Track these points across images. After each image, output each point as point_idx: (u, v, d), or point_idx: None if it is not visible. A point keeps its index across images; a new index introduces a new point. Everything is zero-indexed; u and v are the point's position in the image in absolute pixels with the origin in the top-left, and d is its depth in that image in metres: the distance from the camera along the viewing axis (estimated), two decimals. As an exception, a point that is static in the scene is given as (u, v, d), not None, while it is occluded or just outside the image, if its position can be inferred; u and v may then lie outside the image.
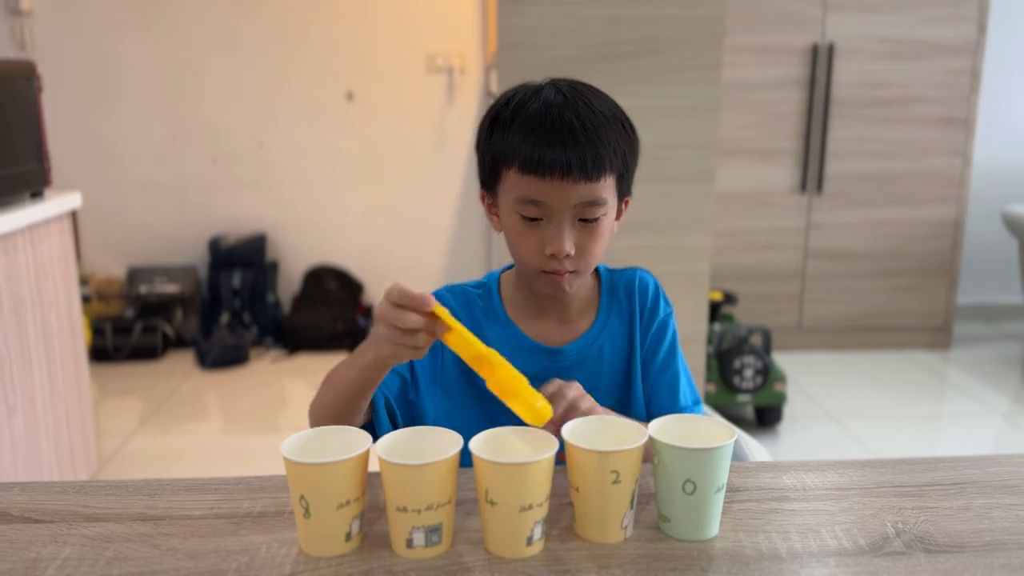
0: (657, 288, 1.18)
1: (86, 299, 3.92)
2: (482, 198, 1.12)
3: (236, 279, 3.91)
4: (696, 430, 0.89)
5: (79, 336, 2.35)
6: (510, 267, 1.18)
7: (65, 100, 3.85)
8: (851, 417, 3.16)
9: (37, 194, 2.19)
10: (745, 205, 3.72)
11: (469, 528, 0.88)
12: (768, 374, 2.97)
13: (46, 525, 0.89)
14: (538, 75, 2.79)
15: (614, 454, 0.82)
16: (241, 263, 3.93)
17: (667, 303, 1.18)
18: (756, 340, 3.06)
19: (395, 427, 1.10)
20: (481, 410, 1.08)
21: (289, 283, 4.10)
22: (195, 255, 4.04)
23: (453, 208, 4.12)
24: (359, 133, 3.99)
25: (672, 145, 2.70)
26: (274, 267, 4.02)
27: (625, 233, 2.75)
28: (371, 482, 0.97)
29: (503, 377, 0.88)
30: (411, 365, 1.11)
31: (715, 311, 3.22)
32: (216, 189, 4.02)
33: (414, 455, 0.83)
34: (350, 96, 3.93)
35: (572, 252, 1.02)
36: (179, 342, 3.90)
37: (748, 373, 2.96)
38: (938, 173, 3.72)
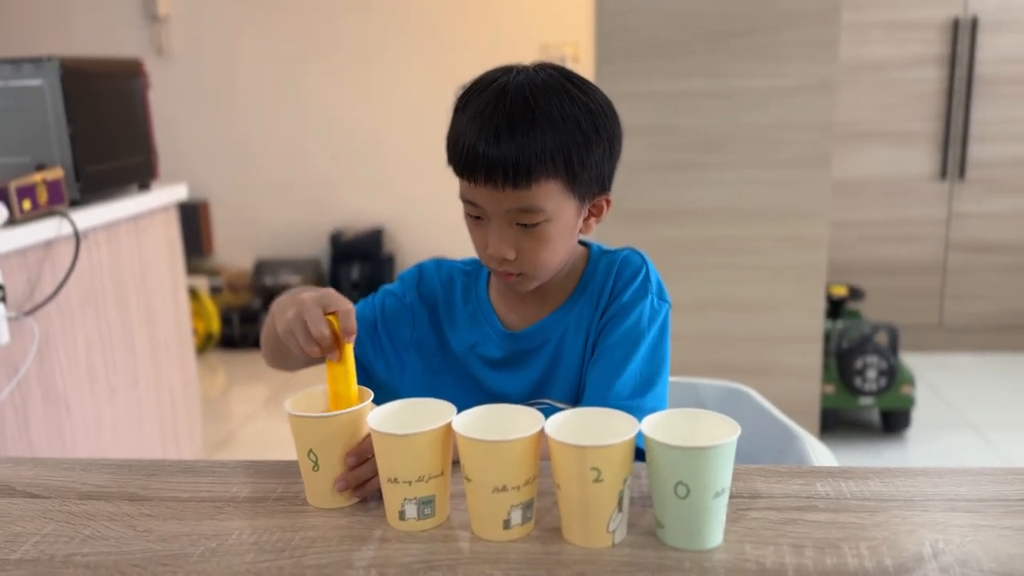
0: (640, 270, 1.06)
1: (217, 290, 4.11)
2: None
3: (355, 272, 4.00)
4: (701, 426, 0.80)
5: (185, 323, 2.45)
6: None
7: (199, 102, 4.06)
8: (992, 425, 2.87)
9: (144, 186, 2.29)
10: (878, 193, 3.45)
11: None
12: (894, 375, 2.73)
13: (41, 500, 0.89)
14: (639, 60, 2.64)
15: (593, 449, 0.74)
16: (360, 256, 4.01)
17: (644, 288, 1.05)
18: (881, 338, 2.82)
19: None
20: (455, 381, 1.08)
21: (405, 276, 4.15)
22: (318, 248, 4.16)
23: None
24: (474, 126, 4.00)
25: (784, 127, 2.53)
26: (390, 260, 4.08)
27: (731, 220, 2.62)
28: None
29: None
30: (379, 343, 1.11)
31: (839, 307, 3.00)
32: (337, 185, 4.12)
33: (408, 426, 0.81)
34: (464, 89, 3.93)
35: (511, 256, 0.98)
36: (301, 332, 4.03)
37: (871, 374, 2.74)
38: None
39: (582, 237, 1.09)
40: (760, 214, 2.58)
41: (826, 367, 2.77)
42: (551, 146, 0.93)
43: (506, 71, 0.99)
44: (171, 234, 2.38)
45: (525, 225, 0.97)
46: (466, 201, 0.99)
